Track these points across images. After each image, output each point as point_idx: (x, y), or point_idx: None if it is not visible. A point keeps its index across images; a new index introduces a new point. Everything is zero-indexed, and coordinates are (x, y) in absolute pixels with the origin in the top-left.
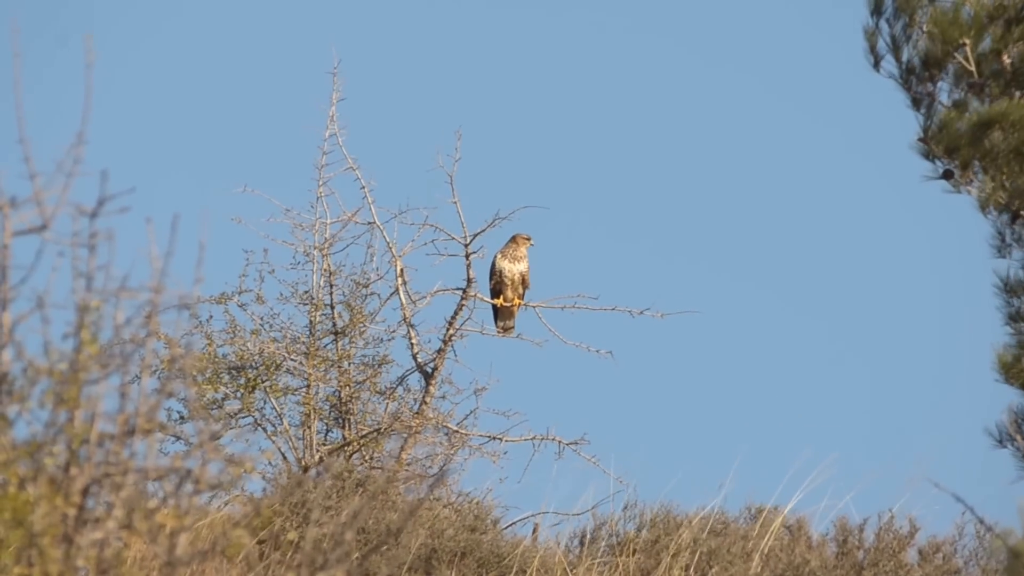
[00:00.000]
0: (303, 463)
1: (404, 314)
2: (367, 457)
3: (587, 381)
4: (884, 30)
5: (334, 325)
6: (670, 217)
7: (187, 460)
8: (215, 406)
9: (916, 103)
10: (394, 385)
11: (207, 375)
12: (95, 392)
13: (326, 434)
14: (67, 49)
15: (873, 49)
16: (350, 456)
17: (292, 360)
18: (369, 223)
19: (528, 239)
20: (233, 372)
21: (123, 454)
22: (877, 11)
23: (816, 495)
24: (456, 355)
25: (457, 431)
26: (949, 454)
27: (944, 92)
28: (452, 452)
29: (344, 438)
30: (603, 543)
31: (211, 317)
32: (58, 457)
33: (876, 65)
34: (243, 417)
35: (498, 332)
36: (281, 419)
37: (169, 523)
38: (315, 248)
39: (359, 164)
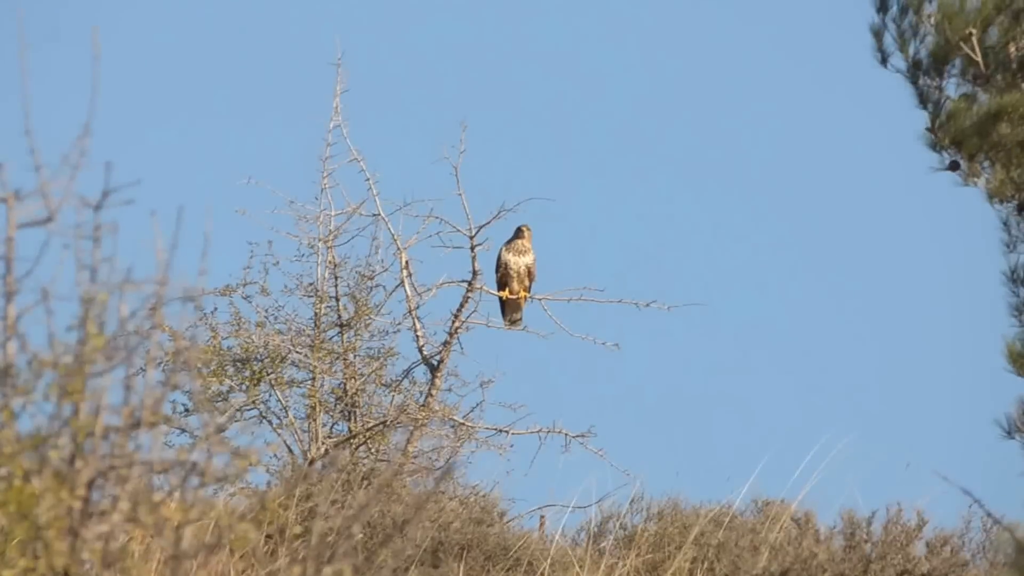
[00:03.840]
0: (308, 456)
1: (409, 306)
2: (373, 450)
3: (593, 374)
4: (891, 27)
5: (339, 317)
6: (676, 210)
7: (192, 453)
8: (220, 399)
9: (923, 100)
10: (400, 378)
11: (212, 367)
12: (100, 385)
13: (332, 427)
14: (67, 42)
15: (880, 46)
16: (356, 449)
17: (297, 352)
18: (374, 215)
19: (528, 228)
20: (238, 364)
21: (128, 447)
22: (883, 8)
23: (824, 484)
24: (462, 347)
25: (463, 424)
26: (957, 445)
27: (951, 86)
28: (458, 445)
29: (350, 431)
30: (610, 536)
31: (215, 309)
32: (63, 450)
33: (884, 62)
34: (248, 410)
35: (505, 325)
36: (286, 412)
37: (174, 516)
38: (319, 240)
39: (363, 156)
